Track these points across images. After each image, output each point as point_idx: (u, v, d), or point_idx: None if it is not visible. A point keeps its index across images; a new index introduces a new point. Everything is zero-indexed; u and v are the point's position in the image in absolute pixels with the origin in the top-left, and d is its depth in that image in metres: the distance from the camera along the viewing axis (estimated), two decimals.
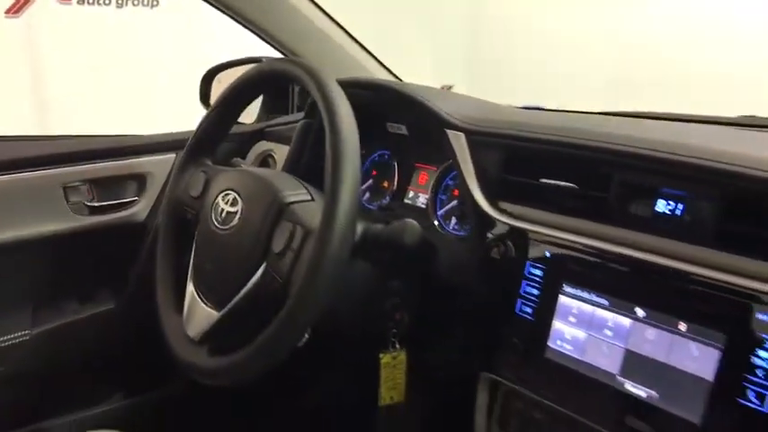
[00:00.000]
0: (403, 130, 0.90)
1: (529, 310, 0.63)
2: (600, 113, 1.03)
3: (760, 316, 0.48)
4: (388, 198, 0.98)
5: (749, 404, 0.48)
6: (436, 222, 0.88)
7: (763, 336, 0.47)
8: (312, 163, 0.98)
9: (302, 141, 0.98)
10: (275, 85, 0.80)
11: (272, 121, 1.18)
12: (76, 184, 0.97)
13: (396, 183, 0.98)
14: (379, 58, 1.30)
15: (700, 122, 0.92)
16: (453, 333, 0.74)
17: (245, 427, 1.14)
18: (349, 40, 1.22)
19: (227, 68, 1.28)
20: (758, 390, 0.48)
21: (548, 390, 0.62)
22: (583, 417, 0.59)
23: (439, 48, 3.66)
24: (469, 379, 0.70)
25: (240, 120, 1.24)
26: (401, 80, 1.30)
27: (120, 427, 0.84)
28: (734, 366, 0.49)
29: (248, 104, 0.83)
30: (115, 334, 1.01)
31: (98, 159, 1.00)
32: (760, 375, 0.47)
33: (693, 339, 0.51)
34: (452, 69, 3.75)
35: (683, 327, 0.52)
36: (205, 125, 0.82)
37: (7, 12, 2.34)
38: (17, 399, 0.96)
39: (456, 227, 0.85)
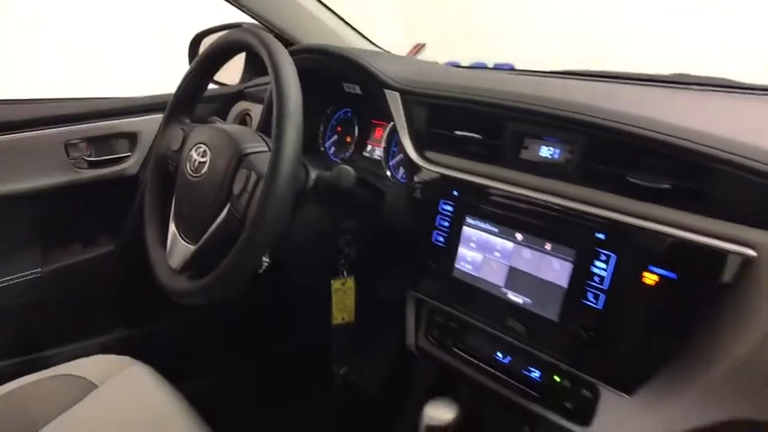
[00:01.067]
0: (357, 90, 1.02)
1: (441, 239, 0.77)
2: (546, 73, 1.15)
3: (598, 235, 0.61)
4: (350, 151, 1.11)
5: (589, 303, 0.62)
6: (389, 173, 1.01)
7: (599, 250, 0.61)
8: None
9: (272, 101, 1.11)
10: (238, 52, 0.92)
11: (251, 83, 1.30)
12: (76, 141, 1.11)
13: (356, 138, 1.10)
14: (355, 26, 1.40)
15: (630, 80, 1.03)
16: (391, 262, 0.88)
17: (233, 346, 1.30)
18: (323, 9, 1.33)
19: (211, 33, 1.40)
20: (595, 292, 0.61)
21: (456, 302, 0.77)
22: (480, 322, 0.74)
23: (410, 7, 3.73)
24: (402, 298, 0.85)
25: (225, 81, 1.37)
26: (378, 46, 1.40)
27: (122, 353, 1.00)
28: (580, 275, 0.62)
29: (219, 69, 0.95)
30: (114, 272, 1.16)
31: (95, 119, 1.13)
32: (596, 281, 0.61)
33: (554, 256, 0.65)
34: (425, 28, 3.83)
35: (548, 246, 0.66)
36: (182, 89, 0.95)
37: None
38: (31, 327, 1.12)
39: (403, 176, 0.98)
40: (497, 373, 0.74)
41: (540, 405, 0.69)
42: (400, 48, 4.31)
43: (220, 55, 0.91)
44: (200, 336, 1.26)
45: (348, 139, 1.12)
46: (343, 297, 0.92)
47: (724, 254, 0.52)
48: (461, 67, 1.13)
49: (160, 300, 0.92)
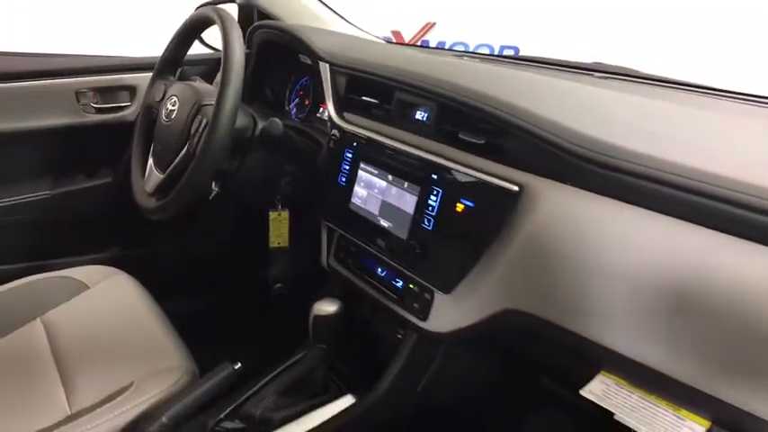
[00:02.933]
0: (308, 60, 1.24)
1: (344, 179, 0.99)
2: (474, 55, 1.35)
3: (433, 175, 0.83)
4: (306, 112, 1.34)
5: (424, 226, 0.84)
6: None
7: (432, 187, 0.83)
8: (254, 84, 1.34)
9: (248, 68, 1.34)
10: (207, 25, 1.14)
11: None
12: (85, 90, 1.37)
13: (311, 101, 1.33)
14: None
15: (548, 66, 1.23)
16: (314, 198, 1.10)
17: (209, 267, 1.54)
18: None
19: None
20: (428, 217, 0.83)
21: (350, 229, 1.00)
22: (366, 244, 0.97)
23: None
24: (319, 227, 1.08)
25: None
26: (355, 25, 1.60)
27: (117, 267, 1.26)
28: (420, 205, 0.85)
29: (195, 38, 1.19)
30: (111, 199, 1.41)
31: (102, 73, 1.39)
32: (429, 210, 0.83)
33: (408, 191, 0.87)
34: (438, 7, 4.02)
35: (405, 184, 0.88)
36: (165, 54, 1.18)
37: None
38: (41, 238, 1.39)
39: None
40: (376, 284, 0.97)
41: (400, 306, 0.92)
42: (411, 25, 4.46)
43: (194, 26, 1.14)
44: (184, 260, 1.52)
45: (307, 102, 1.34)
46: (278, 225, 1.15)
47: (501, 189, 0.74)
48: (427, 47, 1.34)
49: (149, 224, 1.17)
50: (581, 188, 0.68)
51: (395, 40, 3.74)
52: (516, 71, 1.06)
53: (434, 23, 4.44)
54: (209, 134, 0.92)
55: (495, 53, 3.75)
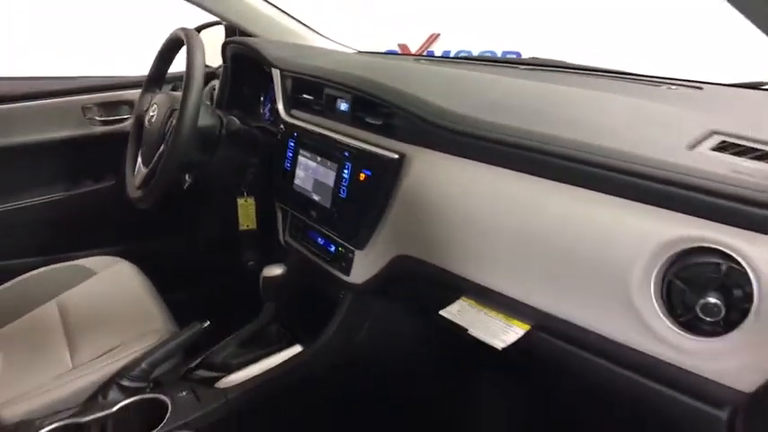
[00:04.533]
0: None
1: (288, 165, 1.18)
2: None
3: (345, 153, 1.01)
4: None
5: (339, 195, 1.02)
6: None
7: (345, 162, 1.01)
8: (231, 91, 1.54)
9: (224, 80, 1.55)
10: (181, 44, 1.34)
11: (220, 66, 1.75)
12: (90, 106, 1.60)
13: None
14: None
15: (487, 63, 1.40)
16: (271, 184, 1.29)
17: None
18: (281, 12, 1.74)
19: (204, 28, 1.85)
20: (342, 187, 1.01)
21: (295, 207, 1.18)
22: (304, 216, 1.15)
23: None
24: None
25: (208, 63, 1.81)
26: (331, 39, 1.79)
27: (120, 257, 1.48)
28: (337, 178, 1.03)
29: (174, 55, 1.40)
30: (115, 200, 1.64)
31: (104, 91, 1.62)
32: (343, 181, 1.01)
33: (330, 168, 1.05)
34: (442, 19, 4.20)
35: (328, 163, 1.06)
36: (150, 71, 1.39)
37: None
38: (55, 234, 1.63)
39: None
40: (317, 251, 1.15)
41: (331, 266, 1.10)
42: (416, 37, 4.66)
43: (170, 46, 1.35)
44: (177, 250, 1.73)
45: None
46: (246, 210, 1.35)
47: (387, 158, 0.92)
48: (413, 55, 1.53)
49: (146, 221, 1.38)
50: (442, 152, 0.85)
51: (401, 53, 3.95)
52: (437, 67, 1.23)
53: (438, 34, 4.63)
54: (175, 131, 1.13)
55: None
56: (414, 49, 4.39)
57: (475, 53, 4.27)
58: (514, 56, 4.14)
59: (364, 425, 1.20)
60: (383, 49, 1.87)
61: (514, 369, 1.08)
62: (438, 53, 4.35)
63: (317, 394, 1.15)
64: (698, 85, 1.07)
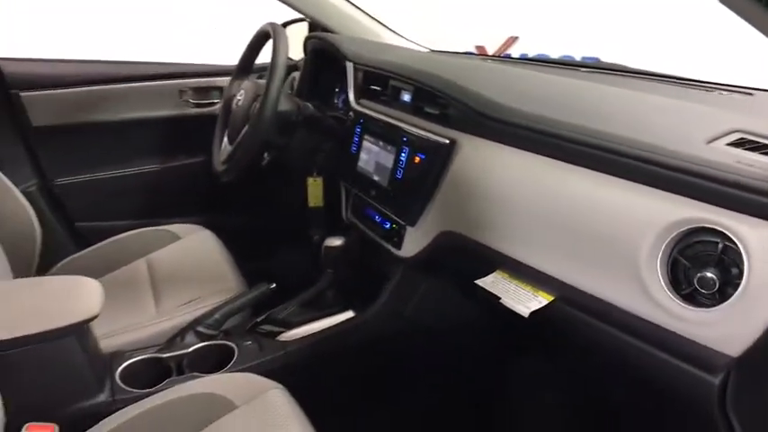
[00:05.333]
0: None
1: (354, 148, 1.31)
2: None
3: (403, 138, 1.12)
4: None
5: (396, 176, 1.13)
6: None
7: (402, 147, 1.12)
8: (309, 82, 1.69)
9: (304, 71, 1.70)
10: (267, 38, 1.49)
11: (301, 59, 1.90)
12: (186, 89, 1.80)
13: None
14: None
15: (550, 65, 1.48)
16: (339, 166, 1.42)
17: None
18: (358, 10, 1.87)
19: (290, 24, 2.02)
20: (398, 169, 1.13)
21: (357, 186, 1.31)
22: (364, 195, 1.27)
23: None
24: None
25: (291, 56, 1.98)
26: (403, 36, 1.90)
27: (203, 225, 1.66)
28: (395, 161, 1.14)
29: (261, 47, 1.55)
30: (203, 174, 1.82)
31: (199, 77, 1.82)
32: (400, 164, 1.12)
33: (389, 152, 1.17)
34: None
35: (388, 147, 1.17)
36: (240, 61, 1.56)
37: None
38: (150, 203, 1.84)
39: None
40: (374, 227, 1.27)
41: (385, 240, 1.22)
42: (495, 39, 4.71)
43: (259, 39, 1.51)
44: (254, 222, 1.91)
45: None
46: (315, 190, 1.49)
47: (441, 144, 1.02)
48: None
49: (228, 195, 1.54)
50: (488, 139, 0.95)
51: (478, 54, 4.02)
52: (499, 66, 1.32)
53: (517, 38, 4.66)
54: (257, 114, 1.27)
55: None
56: (491, 51, 4.44)
57: (553, 57, 4.27)
58: (592, 60, 4.12)
59: (402, 392, 1.31)
60: (461, 50, 1.96)
61: (546, 352, 1.16)
62: (515, 56, 4.39)
63: (364, 357, 1.27)
64: (749, 91, 1.10)
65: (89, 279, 1.08)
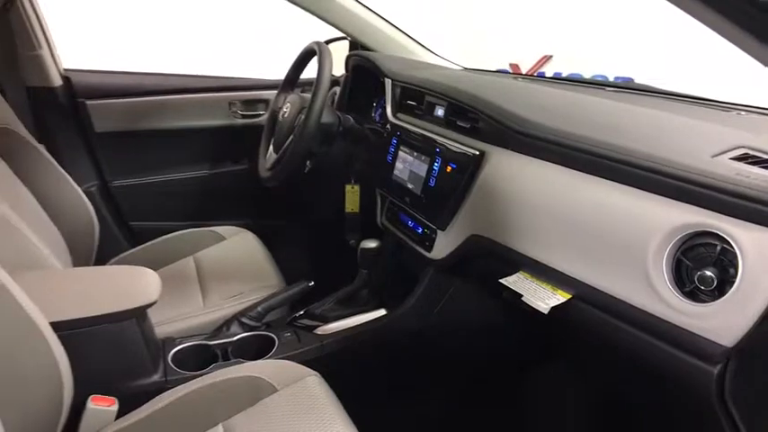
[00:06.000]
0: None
1: (389, 158, 1.41)
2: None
3: (437, 149, 1.21)
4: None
5: (429, 184, 1.22)
6: None
7: (435, 157, 1.21)
8: (350, 96, 1.80)
9: (345, 86, 1.82)
10: (312, 55, 1.61)
11: (341, 75, 2.02)
12: (235, 101, 1.94)
13: None
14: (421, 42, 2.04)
15: (577, 84, 1.56)
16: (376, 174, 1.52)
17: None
18: (395, 29, 1.98)
19: (332, 42, 2.14)
20: (431, 177, 1.22)
21: (392, 194, 1.40)
22: (399, 201, 1.37)
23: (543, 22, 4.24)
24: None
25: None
26: (436, 53, 2.01)
27: (246, 228, 1.78)
28: (427, 170, 1.23)
29: (306, 64, 1.67)
30: (248, 180, 1.94)
31: (246, 90, 1.95)
32: (433, 173, 1.22)
33: (423, 161, 1.26)
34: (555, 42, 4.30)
35: (422, 158, 1.27)
36: (287, 75, 1.68)
37: None
38: (198, 205, 1.98)
39: None
40: (407, 232, 1.37)
41: (416, 244, 1.31)
42: (530, 57, 4.79)
43: (305, 56, 1.63)
44: (294, 226, 2.02)
45: None
46: (352, 196, 1.59)
47: (471, 155, 1.11)
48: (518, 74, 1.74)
49: (271, 201, 1.66)
50: (513, 150, 1.04)
51: (512, 72, 4.11)
52: (529, 84, 1.41)
53: (551, 56, 4.73)
54: (302, 126, 1.38)
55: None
56: (525, 69, 4.52)
57: (586, 76, 4.33)
58: (626, 80, 4.15)
59: (428, 387, 1.39)
60: (495, 68, 2.05)
61: (564, 353, 1.22)
62: (549, 74, 4.45)
63: (393, 352, 1.37)
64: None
65: (148, 270, 1.21)
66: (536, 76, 1.79)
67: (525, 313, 0.96)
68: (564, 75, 4.42)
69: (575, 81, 1.61)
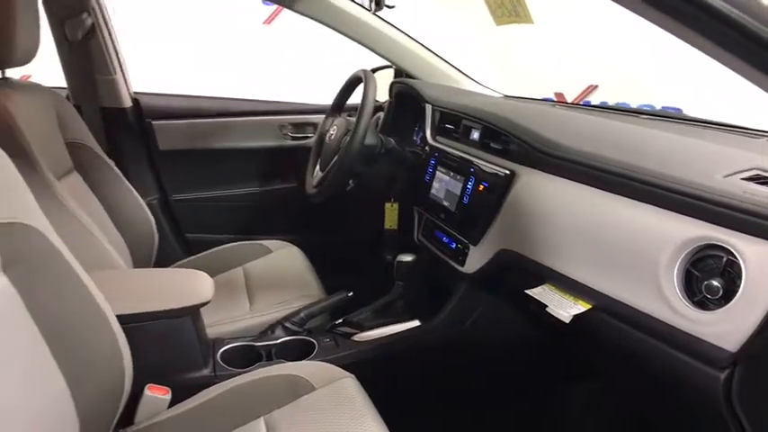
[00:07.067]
0: None
1: (427, 178, 1.49)
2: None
3: (471, 169, 1.30)
4: None
5: (463, 201, 1.30)
6: None
7: (470, 177, 1.29)
8: (393, 120, 1.90)
9: (388, 111, 1.93)
10: (358, 82, 1.72)
11: (385, 101, 2.14)
12: (285, 124, 2.08)
13: None
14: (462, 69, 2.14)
15: (609, 111, 1.62)
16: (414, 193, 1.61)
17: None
18: (438, 58, 2.09)
19: (378, 70, 2.27)
20: (465, 195, 1.30)
21: (429, 211, 1.49)
22: (435, 218, 1.45)
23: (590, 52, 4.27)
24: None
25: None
26: (477, 81, 2.10)
27: (291, 243, 1.89)
28: (462, 189, 1.31)
29: (353, 90, 1.78)
30: (295, 198, 2.06)
31: (296, 114, 2.09)
32: (467, 191, 1.30)
33: (458, 180, 1.35)
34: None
35: (458, 177, 1.35)
36: (334, 101, 1.80)
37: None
38: (247, 220, 2.11)
39: None
40: (441, 247, 1.45)
41: (450, 259, 1.39)
42: (575, 87, 4.83)
43: (352, 82, 1.74)
44: (336, 241, 2.13)
45: None
46: (391, 214, 1.69)
47: (502, 174, 1.19)
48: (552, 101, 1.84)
49: (316, 218, 1.77)
50: (541, 170, 1.11)
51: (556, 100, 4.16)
52: (562, 110, 1.49)
53: (597, 86, 4.75)
54: (347, 146, 1.49)
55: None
56: (571, 99, 4.55)
57: (633, 106, 4.32)
58: (675, 111, 4.13)
59: (457, 400, 1.45)
60: (540, 96, 2.12)
61: (585, 366, 1.27)
62: (595, 103, 4.47)
63: (425, 361, 1.44)
64: None
65: (203, 273, 1.32)
66: (573, 104, 1.85)
67: (552, 329, 1.02)
68: (609, 104, 4.44)
69: (610, 109, 1.67)
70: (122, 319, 1.03)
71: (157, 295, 1.25)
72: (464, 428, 1.46)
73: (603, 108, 1.68)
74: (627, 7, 0.71)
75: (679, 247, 0.81)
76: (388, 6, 1.83)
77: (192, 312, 1.25)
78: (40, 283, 0.92)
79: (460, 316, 1.42)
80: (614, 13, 0.77)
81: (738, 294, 0.73)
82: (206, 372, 1.29)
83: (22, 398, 0.81)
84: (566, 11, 3.83)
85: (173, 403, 1.17)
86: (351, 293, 1.51)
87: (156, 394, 1.18)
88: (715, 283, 0.76)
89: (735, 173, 0.86)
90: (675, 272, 0.81)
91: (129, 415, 1.14)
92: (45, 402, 0.87)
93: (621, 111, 1.63)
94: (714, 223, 0.78)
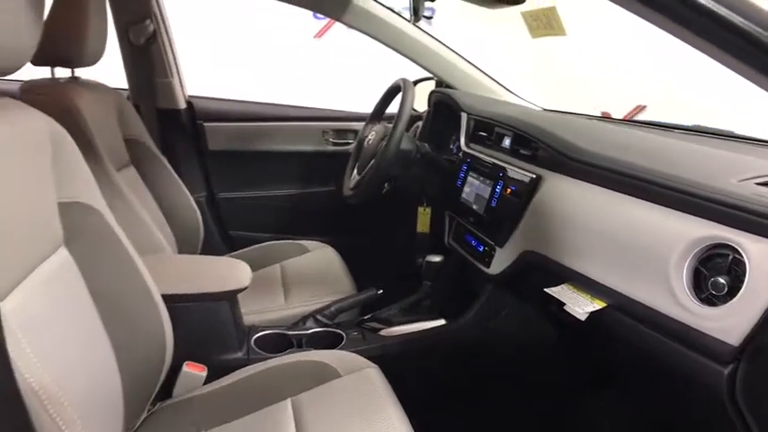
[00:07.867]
0: None
1: (459, 183, 1.55)
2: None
3: (499, 173, 1.35)
4: None
5: (491, 204, 1.35)
6: None
7: (498, 181, 1.34)
8: (430, 129, 1.97)
9: (426, 119, 1.99)
10: (398, 91, 1.79)
11: (424, 111, 2.21)
12: (327, 130, 2.17)
13: None
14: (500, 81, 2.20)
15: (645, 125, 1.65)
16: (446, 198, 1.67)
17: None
18: (476, 69, 2.15)
19: (421, 81, 2.35)
20: (493, 199, 1.35)
21: (460, 215, 1.54)
22: (464, 221, 1.50)
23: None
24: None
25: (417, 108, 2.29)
26: (514, 93, 2.15)
27: (328, 243, 1.98)
28: (491, 193, 1.36)
29: (393, 98, 1.86)
30: (333, 201, 2.14)
31: (338, 121, 2.18)
32: (495, 194, 1.35)
33: (487, 185, 1.40)
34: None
35: (487, 181, 1.40)
36: (374, 109, 1.88)
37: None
38: (287, 220, 2.20)
39: None
40: (470, 250, 1.50)
41: (477, 260, 1.43)
42: (622, 105, 4.82)
43: (391, 91, 1.82)
44: (370, 246, 2.20)
45: None
46: (423, 218, 1.75)
47: (528, 179, 1.24)
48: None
49: (352, 221, 1.86)
50: (566, 175, 1.15)
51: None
52: (599, 123, 1.53)
53: (645, 106, 4.72)
54: (383, 152, 1.56)
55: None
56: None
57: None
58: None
59: (478, 396, 1.49)
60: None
61: (612, 381, 1.29)
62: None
63: (449, 359, 1.48)
64: None
65: (241, 261, 1.41)
66: (607, 118, 1.87)
67: (571, 329, 1.06)
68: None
69: (645, 123, 1.69)
70: (166, 299, 1.13)
71: (199, 279, 1.34)
72: (482, 427, 1.49)
73: (639, 122, 1.70)
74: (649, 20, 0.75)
75: (689, 246, 0.84)
76: (425, 17, 1.91)
77: (230, 297, 1.34)
78: (96, 259, 1.02)
79: (486, 317, 1.47)
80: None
81: (742, 290, 0.76)
82: (240, 354, 1.37)
83: (77, 359, 0.91)
84: (610, 26, 3.84)
85: (208, 380, 1.25)
86: (380, 291, 1.57)
87: (193, 371, 1.27)
88: (721, 280, 0.79)
89: (749, 178, 0.89)
90: (685, 269, 0.84)
91: (167, 390, 1.23)
92: (94, 367, 0.96)
93: (658, 125, 1.65)
94: (723, 223, 0.81)
